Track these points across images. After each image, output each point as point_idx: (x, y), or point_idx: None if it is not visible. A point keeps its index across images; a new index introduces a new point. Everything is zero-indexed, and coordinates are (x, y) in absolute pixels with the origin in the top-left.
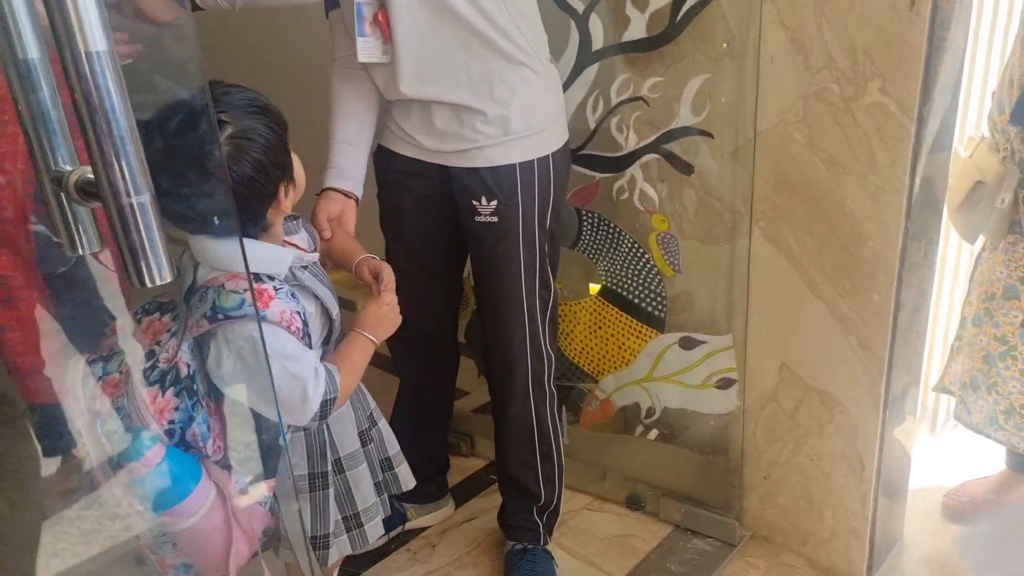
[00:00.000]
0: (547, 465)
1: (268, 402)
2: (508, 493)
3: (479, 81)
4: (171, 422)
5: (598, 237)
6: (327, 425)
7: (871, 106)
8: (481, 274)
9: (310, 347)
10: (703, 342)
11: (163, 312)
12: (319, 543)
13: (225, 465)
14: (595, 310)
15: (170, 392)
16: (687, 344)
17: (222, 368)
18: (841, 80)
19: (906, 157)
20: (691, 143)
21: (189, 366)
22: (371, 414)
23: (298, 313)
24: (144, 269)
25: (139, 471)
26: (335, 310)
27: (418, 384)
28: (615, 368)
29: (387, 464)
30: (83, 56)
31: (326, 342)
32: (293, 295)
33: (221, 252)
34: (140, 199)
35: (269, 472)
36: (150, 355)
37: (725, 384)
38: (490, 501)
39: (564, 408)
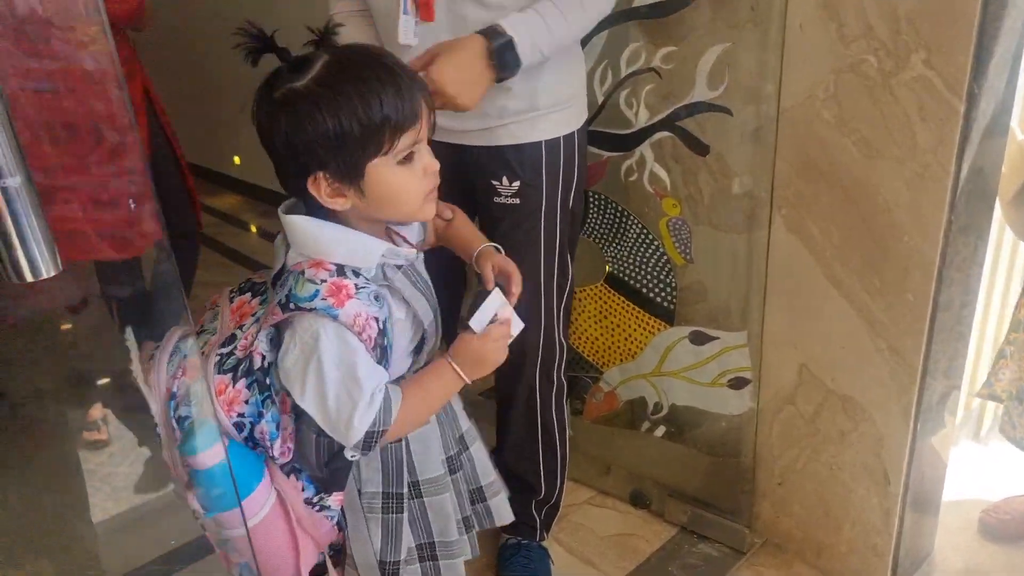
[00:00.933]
0: (550, 459)
1: (317, 410)
2: (506, 485)
3: None
4: (241, 415)
5: (605, 221)
6: (406, 442)
7: (913, 81)
8: None
9: (384, 360)
10: (715, 338)
11: (255, 294)
12: (388, 569)
13: (291, 470)
14: (601, 298)
15: (241, 383)
16: (698, 339)
17: (286, 361)
18: (880, 52)
19: (952, 140)
20: (707, 120)
21: (264, 357)
22: (462, 436)
23: (376, 320)
24: (21, 262)
25: (195, 467)
26: (429, 319)
27: None
28: (621, 360)
29: (478, 495)
30: None
31: (418, 350)
32: (377, 297)
33: (308, 233)
34: (9, 182)
35: (338, 484)
36: (230, 340)
37: (738, 384)
38: None
39: (569, 399)
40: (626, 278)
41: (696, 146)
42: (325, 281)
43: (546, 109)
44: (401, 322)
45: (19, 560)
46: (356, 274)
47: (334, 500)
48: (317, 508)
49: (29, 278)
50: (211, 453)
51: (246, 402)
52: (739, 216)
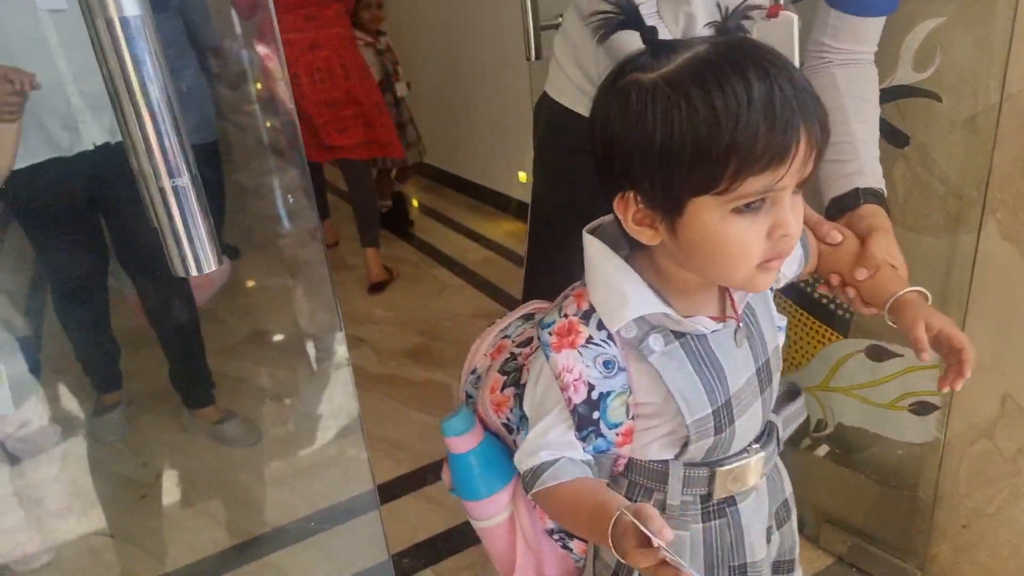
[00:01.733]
0: None
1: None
2: None
3: None
4: (508, 420)
5: None
6: (736, 515)
7: None
8: None
9: (587, 431)
10: (898, 355)
11: None
12: None
13: None
14: None
15: (510, 391)
16: (876, 354)
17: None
18: None
19: None
20: (909, 106)
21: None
22: (743, 566)
23: (588, 386)
24: (188, 256)
25: (447, 446)
26: (699, 414)
27: None
28: (784, 370)
29: (786, 568)
30: (116, 22)
31: (683, 449)
32: (607, 363)
33: (589, 258)
34: (179, 182)
35: None
36: (527, 341)
37: (923, 409)
38: None
39: None
40: (796, 280)
41: (893, 136)
42: (567, 316)
43: None
44: (653, 407)
45: (192, 500)
46: (601, 327)
47: (576, 545)
48: (559, 543)
49: (193, 273)
50: (458, 440)
51: (511, 409)
52: (940, 217)
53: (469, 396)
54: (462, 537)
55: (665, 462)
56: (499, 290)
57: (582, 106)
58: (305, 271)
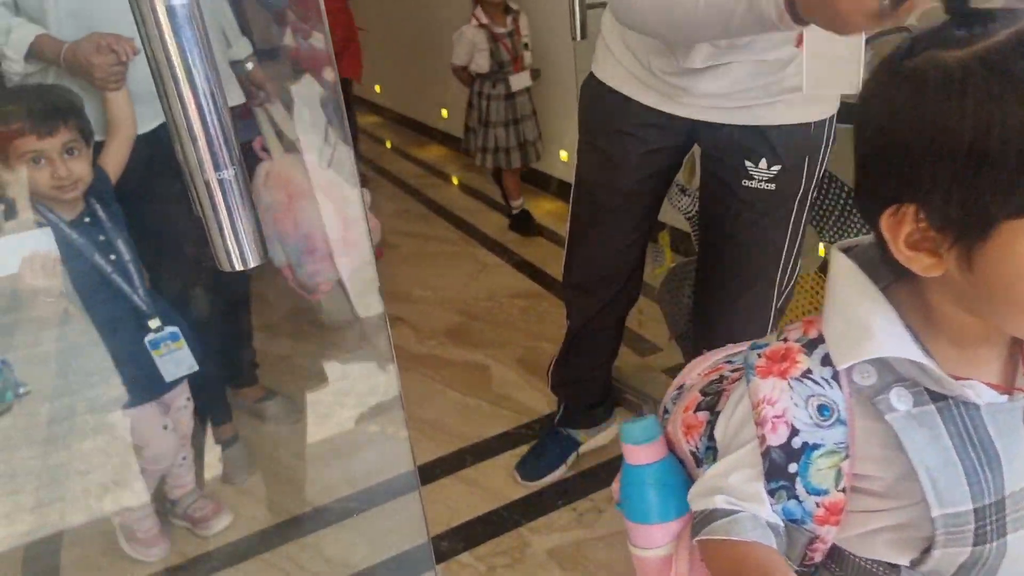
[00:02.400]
0: None
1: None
2: None
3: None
4: (696, 448)
5: (826, 202)
6: None
7: None
8: (724, 246)
9: (777, 484)
10: None
11: None
12: None
13: None
14: (813, 290)
15: (703, 415)
16: None
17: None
18: None
19: None
20: None
21: None
22: None
23: (789, 428)
24: (233, 250)
25: (624, 454)
26: (953, 507)
27: (592, 322)
28: None
29: None
30: (162, 10)
31: (923, 556)
32: (822, 409)
33: (834, 282)
34: (223, 174)
35: None
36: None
37: None
38: None
39: None
40: None
41: None
42: (787, 341)
43: None
44: (880, 483)
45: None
46: (827, 362)
47: None
48: None
49: (238, 267)
50: (636, 450)
51: (701, 437)
52: None
53: (666, 411)
54: (500, 521)
55: (895, 568)
56: (539, 270)
57: (628, 87)
58: (348, 249)
